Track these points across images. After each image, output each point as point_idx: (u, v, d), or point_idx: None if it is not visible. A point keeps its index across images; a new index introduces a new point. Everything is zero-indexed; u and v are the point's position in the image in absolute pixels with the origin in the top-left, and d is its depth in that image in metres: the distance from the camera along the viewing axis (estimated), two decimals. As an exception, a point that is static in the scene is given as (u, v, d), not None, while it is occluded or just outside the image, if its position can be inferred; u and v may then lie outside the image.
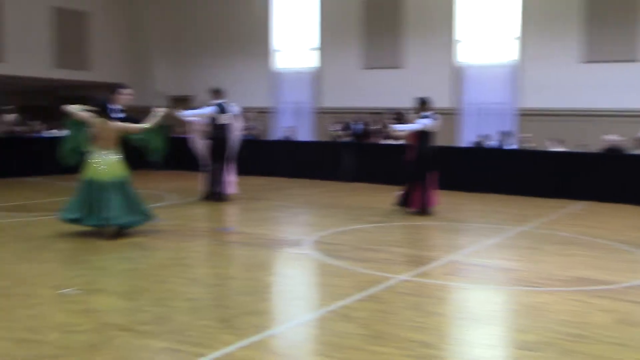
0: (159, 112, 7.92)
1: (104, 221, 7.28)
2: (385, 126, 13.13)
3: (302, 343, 4.36)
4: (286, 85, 18.67)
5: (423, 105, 10.13)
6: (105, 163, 7.40)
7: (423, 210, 9.94)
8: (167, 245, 7.36)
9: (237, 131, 11.45)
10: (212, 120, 11.03)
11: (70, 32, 18.83)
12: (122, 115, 8.28)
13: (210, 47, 19.52)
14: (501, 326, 4.86)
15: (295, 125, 18.16)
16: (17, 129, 16.62)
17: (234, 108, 11.41)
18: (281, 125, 18.48)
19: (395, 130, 10.43)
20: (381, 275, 6.04)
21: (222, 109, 11.05)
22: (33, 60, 17.83)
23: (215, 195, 11.07)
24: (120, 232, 7.47)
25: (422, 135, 10.02)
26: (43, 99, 21.00)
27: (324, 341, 4.24)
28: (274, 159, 16.24)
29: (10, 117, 16.64)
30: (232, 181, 11.34)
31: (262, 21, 18.72)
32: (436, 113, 10.33)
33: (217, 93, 11.15)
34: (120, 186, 7.42)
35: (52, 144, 14.75)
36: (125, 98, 8.63)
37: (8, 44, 17.26)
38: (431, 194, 10.04)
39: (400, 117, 14.07)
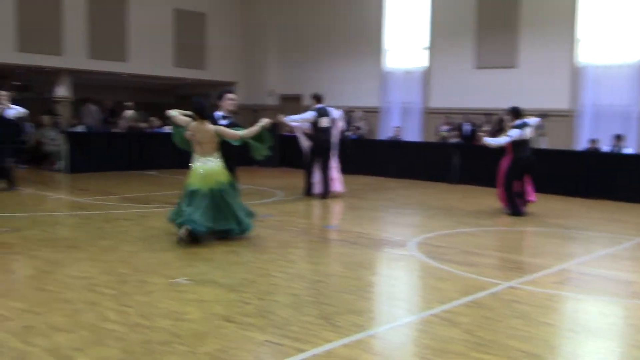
0: (263, 122, 7.43)
1: (189, 223, 6.89)
2: (501, 127, 12.90)
3: (403, 345, 4.31)
4: (395, 84, 18.55)
5: (516, 114, 10.15)
6: (204, 169, 7.12)
7: (513, 212, 10.00)
8: (273, 240, 7.53)
9: (337, 133, 11.97)
10: (313, 124, 11.68)
11: (188, 32, 19.68)
12: (225, 121, 8.27)
13: (322, 46, 19.74)
14: (617, 341, 4.57)
15: (403, 125, 18.03)
16: (137, 125, 17.59)
17: (334, 112, 11.92)
18: (389, 125, 18.40)
19: (488, 143, 10.16)
20: (487, 280, 5.87)
21: (321, 113, 11.66)
22: (154, 60, 18.79)
23: (321, 193, 11.54)
24: (192, 238, 6.96)
25: (515, 144, 9.94)
26: (162, 97, 22.11)
27: (426, 345, 4.17)
28: (380, 159, 16.21)
29: (131, 113, 17.64)
30: (335, 179, 11.80)
31: (375, 21, 18.68)
32: (539, 116, 10.32)
33: (317, 98, 11.84)
34: (213, 195, 7.05)
35: (169, 139, 15.47)
36: (229, 104, 8.56)
37: (132, 44, 18.28)
38: (523, 197, 10.17)
39: (500, 123, 13.63)
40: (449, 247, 7.41)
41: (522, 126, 9.91)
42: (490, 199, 11.44)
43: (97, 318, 4.48)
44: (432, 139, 17.11)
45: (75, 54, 17.08)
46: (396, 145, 16.67)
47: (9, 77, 18.68)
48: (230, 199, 7.20)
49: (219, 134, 7.20)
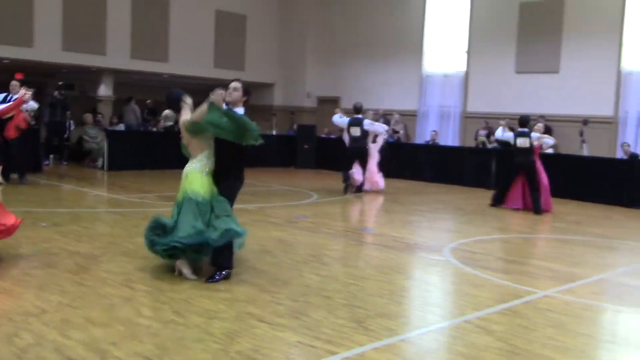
0: (212, 96, 5.63)
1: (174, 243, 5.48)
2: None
3: (435, 351, 4.27)
4: (434, 88, 18.43)
5: (521, 124, 11.23)
6: (185, 175, 5.76)
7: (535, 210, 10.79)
8: (307, 241, 7.54)
9: (371, 141, 13.09)
10: (349, 132, 12.78)
11: (229, 34, 19.87)
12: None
13: (361, 49, 19.72)
14: (656, 355, 4.46)
15: (440, 129, 17.90)
16: (175, 124, 17.81)
17: (379, 127, 13.26)
18: (426, 129, 18.28)
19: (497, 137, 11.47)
20: (523, 288, 5.78)
21: (353, 123, 12.63)
22: (194, 61, 19.01)
23: (355, 190, 12.50)
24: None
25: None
26: (201, 97, 22.30)
27: (458, 351, 4.13)
28: (417, 163, 16.11)
29: (169, 113, 17.86)
30: (373, 180, 12.91)
31: (417, 24, 18.59)
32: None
33: (356, 110, 12.83)
34: (191, 204, 5.59)
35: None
36: (229, 94, 6.13)
37: (173, 45, 18.54)
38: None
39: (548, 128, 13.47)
40: (485, 254, 7.32)
41: (519, 134, 11.11)
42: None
43: (133, 313, 4.55)
44: (470, 143, 16.94)
45: (118, 54, 17.40)
46: (433, 150, 16.55)
47: (54, 76, 19.14)
48: (183, 214, 5.61)
49: (185, 125, 5.76)
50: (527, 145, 11.04)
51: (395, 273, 6.31)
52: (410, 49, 18.73)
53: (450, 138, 17.93)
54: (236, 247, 5.79)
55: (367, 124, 12.63)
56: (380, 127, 13.23)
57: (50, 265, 5.82)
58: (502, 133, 11.74)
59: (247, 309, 4.76)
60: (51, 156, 15.62)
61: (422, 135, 18.34)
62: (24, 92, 5.04)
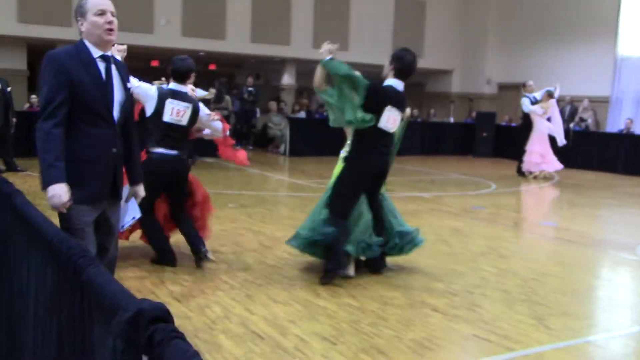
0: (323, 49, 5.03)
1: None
2: None
3: (624, 357, 3.95)
4: (630, 72, 16.89)
5: None
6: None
7: None
8: (484, 232, 7.33)
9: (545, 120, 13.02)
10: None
11: (408, 21, 19.79)
12: None
13: (546, 32, 18.62)
14: None
15: (636, 117, 16.40)
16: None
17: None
18: (620, 117, 16.83)
19: None
20: None
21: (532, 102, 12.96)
22: (374, 48, 19.16)
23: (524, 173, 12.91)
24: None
25: None
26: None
27: (652, 360, 3.79)
28: (607, 154, 14.94)
29: None
30: (549, 160, 12.81)
31: (612, 2, 17.15)
32: None
33: (524, 87, 13.30)
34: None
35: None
36: None
37: (353, 33, 18.84)
38: None
39: None
40: (686, 255, 6.63)
41: None
42: None
43: (311, 295, 4.73)
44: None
45: (300, 44, 18.08)
46: (627, 139, 15.22)
47: (242, 66, 20.38)
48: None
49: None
50: None
51: (581, 271, 5.92)
52: (603, 29, 17.32)
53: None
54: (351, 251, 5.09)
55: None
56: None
57: (237, 244, 6.23)
58: None
59: (421, 298, 4.75)
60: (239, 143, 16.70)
61: (615, 124, 16.91)
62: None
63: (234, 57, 18.29)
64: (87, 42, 3.17)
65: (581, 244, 6.99)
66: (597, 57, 17.36)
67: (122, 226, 3.88)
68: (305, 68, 19.41)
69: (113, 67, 3.23)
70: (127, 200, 3.67)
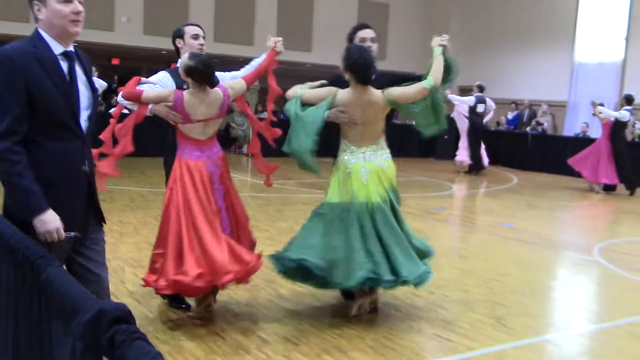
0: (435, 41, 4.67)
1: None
2: None
3: (580, 355, 4.05)
4: (586, 77, 17.32)
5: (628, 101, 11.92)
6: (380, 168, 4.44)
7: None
8: (445, 233, 7.42)
9: (487, 119, 14.84)
10: (471, 108, 13.95)
11: (371, 23, 19.77)
12: None
13: (506, 37, 18.95)
14: None
15: (592, 121, 16.80)
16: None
17: (490, 102, 14.34)
18: (577, 121, 17.23)
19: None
20: (683, 295, 5.32)
21: (480, 101, 13.95)
22: (337, 50, 19.14)
23: (473, 167, 13.89)
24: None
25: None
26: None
27: (606, 357, 3.89)
28: (564, 157, 15.26)
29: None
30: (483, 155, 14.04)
31: (569, 9, 17.54)
32: None
33: (480, 88, 14.11)
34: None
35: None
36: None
37: (316, 35, 18.88)
38: None
39: None
40: (637, 256, 6.82)
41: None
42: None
43: (273, 295, 4.72)
44: (627, 137, 15.77)
45: (264, 45, 17.93)
46: (583, 142, 15.57)
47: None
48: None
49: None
50: None
51: (539, 271, 6.04)
52: (560, 36, 17.72)
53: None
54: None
55: (490, 102, 14.21)
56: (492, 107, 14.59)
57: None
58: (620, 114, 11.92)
59: (383, 298, 4.76)
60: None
61: (572, 128, 17.32)
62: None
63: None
64: (45, 35, 2.59)
65: (539, 245, 7.14)
66: (555, 62, 17.76)
67: None
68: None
69: (77, 64, 2.67)
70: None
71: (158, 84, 4.08)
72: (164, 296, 4.19)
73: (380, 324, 4.21)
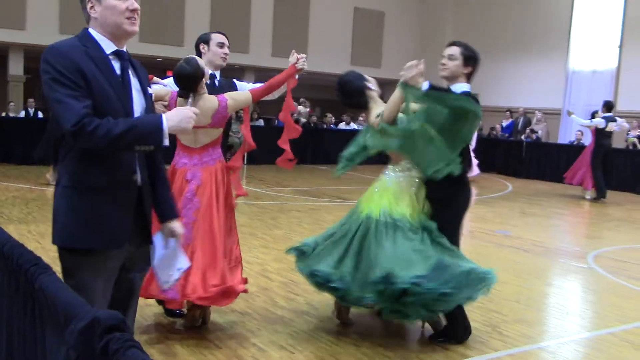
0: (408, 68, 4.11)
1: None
2: None
3: (575, 363, 4.05)
4: (580, 85, 17.41)
5: (608, 109, 11.90)
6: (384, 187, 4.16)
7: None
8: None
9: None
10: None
11: (366, 31, 19.98)
12: None
13: (501, 44, 19.03)
14: None
15: (586, 129, 16.87)
16: (312, 120, 18.20)
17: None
18: (571, 129, 17.30)
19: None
20: (677, 303, 5.33)
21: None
22: (332, 57, 19.32)
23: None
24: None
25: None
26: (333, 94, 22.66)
27: (601, 365, 3.89)
28: (559, 164, 15.32)
29: (302, 109, 18.30)
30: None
31: (564, 17, 17.65)
32: None
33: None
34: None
35: (342, 136, 15.76)
36: None
37: (312, 42, 18.94)
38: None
39: None
40: (633, 263, 6.84)
41: (608, 119, 11.48)
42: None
43: (269, 304, 4.71)
44: (620, 144, 15.85)
45: (260, 52, 18.06)
46: (577, 150, 15.64)
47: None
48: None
49: (379, 130, 4.07)
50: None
51: (534, 278, 6.05)
52: (555, 44, 17.83)
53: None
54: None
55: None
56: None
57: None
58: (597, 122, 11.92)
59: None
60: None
61: (566, 136, 17.39)
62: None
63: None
64: (95, 33, 2.40)
65: (534, 252, 7.15)
66: (549, 70, 17.85)
67: (167, 283, 2.73)
68: (264, 76, 19.41)
69: (130, 69, 2.48)
70: (166, 247, 2.66)
71: (168, 86, 4.10)
72: (159, 301, 4.18)
73: (375, 333, 4.21)
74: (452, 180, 3.77)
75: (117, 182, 2.40)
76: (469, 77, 4.08)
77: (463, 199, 4.04)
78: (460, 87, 4.02)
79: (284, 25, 18.40)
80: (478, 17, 19.78)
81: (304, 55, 4.17)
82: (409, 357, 3.86)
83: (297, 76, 4.23)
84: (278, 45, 18.22)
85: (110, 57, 2.40)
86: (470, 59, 4.05)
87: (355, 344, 3.95)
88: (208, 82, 3.97)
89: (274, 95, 4.24)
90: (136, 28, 2.41)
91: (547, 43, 17.93)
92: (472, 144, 13.29)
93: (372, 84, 4.43)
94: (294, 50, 4.25)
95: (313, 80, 21.73)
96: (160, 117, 2.32)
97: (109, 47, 2.40)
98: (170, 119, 2.33)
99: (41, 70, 2.29)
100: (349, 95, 4.33)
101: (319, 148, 16.70)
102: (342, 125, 18.32)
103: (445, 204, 3.94)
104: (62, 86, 2.24)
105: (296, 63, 4.15)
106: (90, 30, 2.41)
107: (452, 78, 4.07)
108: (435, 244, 3.81)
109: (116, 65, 2.42)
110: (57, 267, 2.20)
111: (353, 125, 18.66)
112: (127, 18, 2.37)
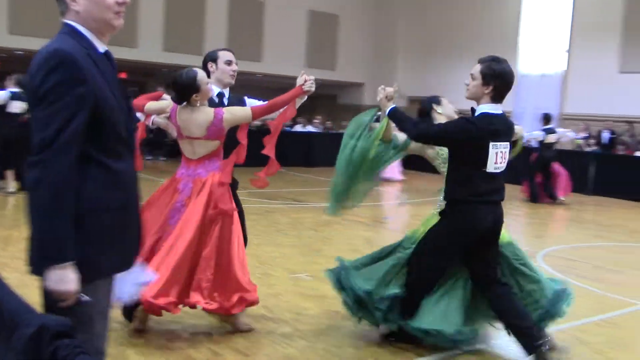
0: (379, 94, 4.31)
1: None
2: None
3: None
4: (529, 89, 17.84)
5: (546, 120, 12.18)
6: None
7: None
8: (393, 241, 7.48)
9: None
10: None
11: (321, 33, 20.05)
12: None
13: (453, 48, 19.37)
14: None
15: (535, 131, 17.30)
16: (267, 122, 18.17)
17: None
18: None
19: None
20: (622, 299, 5.51)
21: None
22: (287, 60, 19.32)
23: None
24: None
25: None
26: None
27: (551, 361, 3.98)
28: (515, 167, 15.62)
29: None
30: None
31: (512, 21, 18.06)
32: None
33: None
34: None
35: (298, 138, 15.83)
36: None
37: (267, 45, 18.90)
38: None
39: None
40: (580, 262, 7.03)
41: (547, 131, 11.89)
42: (629, 212, 10.72)
43: (224, 306, 4.67)
44: (567, 146, 16.29)
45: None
46: (526, 153, 15.99)
47: (154, 75, 19.96)
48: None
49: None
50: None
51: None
52: (504, 47, 18.16)
53: (546, 140, 17.28)
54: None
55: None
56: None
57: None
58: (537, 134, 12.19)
59: (335, 307, 4.77)
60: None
61: (516, 138, 17.77)
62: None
63: (145, 65, 17.91)
64: (82, 30, 2.11)
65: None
66: (500, 73, 18.17)
67: (128, 295, 2.40)
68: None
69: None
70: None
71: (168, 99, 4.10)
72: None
73: (331, 334, 4.22)
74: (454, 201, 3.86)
75: (126, 199, 2.26)
76: (494, 97, 3.88)
77: (458, 224, 3.83)
78: (480, 108, 3.87)
79: (239, 27, 18.31)
80: (430, 21, 20.07)
81: (312, 78, 4.05)
82: (366, 358, 3.88)
83: (305, 98, 4.17)
84: (233, 47, 18.03)
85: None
86: (490, 77, 3.81)
87: (312, 346, 3.96)
88: (216, 100, 4.07)
89: (273, 116, 4.24)
90: (122, 22, 2.16)
91: (496, 46, 18.24)
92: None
93: (441, 107, 4.52)
94: (303, 72, 4.14)
95: (268, 83, 21.71)
96: (61, 258, 1.93)
97: (100, 46, 2.16)
98: (60, 274, 1.94)
99: (46, 69, 2.02)
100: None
101: (275, 150, 16.64)
102: (298, 128, 18.34)
103: (441, 219, 3.92)
104: (57, 93, 2.03)
105: (303, 84, 4.03)
106: (75, 25, 2.11)
107: (475, 99, 3.91)
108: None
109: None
110: (17, 274, 2.14)
111: (309, 128, 18.72)
112: (115, 12, 2.13)
